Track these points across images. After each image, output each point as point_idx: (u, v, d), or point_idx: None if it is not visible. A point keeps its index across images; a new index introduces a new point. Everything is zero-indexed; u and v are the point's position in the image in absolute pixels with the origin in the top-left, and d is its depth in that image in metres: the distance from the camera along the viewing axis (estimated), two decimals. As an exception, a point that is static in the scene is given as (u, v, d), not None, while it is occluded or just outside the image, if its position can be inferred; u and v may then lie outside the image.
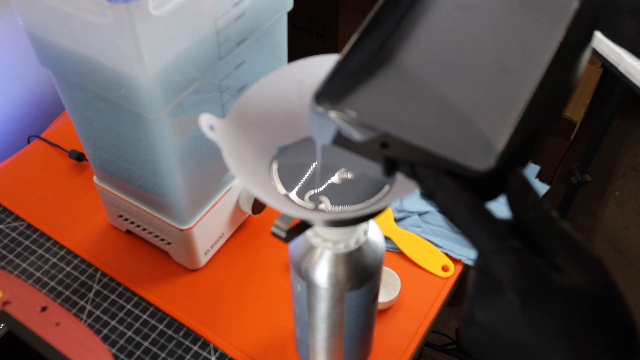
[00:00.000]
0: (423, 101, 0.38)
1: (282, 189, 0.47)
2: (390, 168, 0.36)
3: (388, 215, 0.81)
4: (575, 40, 0.35)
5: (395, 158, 0.35)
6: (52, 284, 0.74)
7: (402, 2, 0.42)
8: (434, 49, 0.40)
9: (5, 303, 0.61)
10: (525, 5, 0.40)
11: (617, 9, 0.36)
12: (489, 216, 0.33)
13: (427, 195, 0.35)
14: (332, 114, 0.37)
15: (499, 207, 0.36)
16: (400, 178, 0.47)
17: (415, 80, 0.39)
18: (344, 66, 0.39)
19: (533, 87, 0.34)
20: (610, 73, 0.96)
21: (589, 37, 0.36)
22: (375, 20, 0.40)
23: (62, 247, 0.78)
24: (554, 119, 0.35)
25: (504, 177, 0.34)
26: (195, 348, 0.69)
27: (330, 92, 0.38)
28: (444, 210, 0.34)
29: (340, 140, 0.38)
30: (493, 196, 0.35)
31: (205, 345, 0.70)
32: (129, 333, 0.70)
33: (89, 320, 0.71)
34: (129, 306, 0.73)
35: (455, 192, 0.33)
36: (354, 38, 0.39)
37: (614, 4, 0.36)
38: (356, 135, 0.36)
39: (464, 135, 0.36)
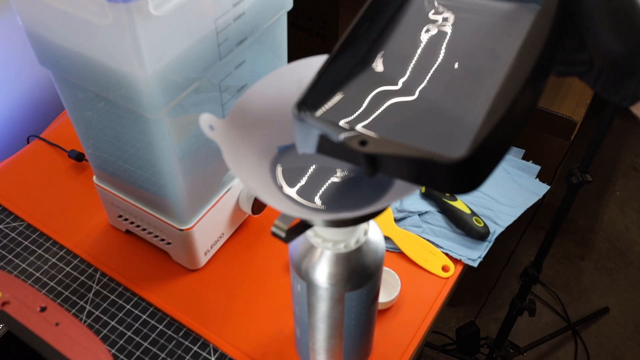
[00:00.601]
0: (400, 105, 0.40)
1: (289, 191, 0.47)
2: (372, 167, 0.38)
3: (388, 215, 0.81)
4: (537, 39, 0.37)
5: (375, 154, 0.37)
6: (52, 284, 0.74)
7: (378, 16, 0.44)
8: (408, 57, 0.43)
9: (5, 303, 0.61)
10: (493, 14, 0.43)
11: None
12: None
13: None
14: (312, 119, 0.40)
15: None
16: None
17: (391, 87, 0.42)
18: (324, 76, 0.41)
19: (500, 83, 0.36)
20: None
21: (552, 35, 0.37)
22: (351, 34, 0.42)
23: (61, 247, 0.78)
24: (523, 112, 0.37)
25: (482, 166, 0.35)
26: (195, 348, 0.69)
27: (311, 101, 0.41)
28: None
29: (323, 147, 0.40)
30: (473, 187, 0.36)
31: (205, 345, 0.70)
32: (129, 333, 0.70)
33: (89, 321, 0.71)
34: (128, 306, 0.73)
35: None
36: (333, 51, 0.41)
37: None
38: (336, 135, 0.38)
39: (438, 129, 0.38)
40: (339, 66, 0.42)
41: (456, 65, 0.41)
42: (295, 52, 0.71)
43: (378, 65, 0.43)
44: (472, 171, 0.35)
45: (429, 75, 0.41)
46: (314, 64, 0.50)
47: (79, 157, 0.86)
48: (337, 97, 0.42)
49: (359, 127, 0.39)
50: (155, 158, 0.62)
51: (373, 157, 0.37)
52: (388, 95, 0.42)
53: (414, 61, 0.42)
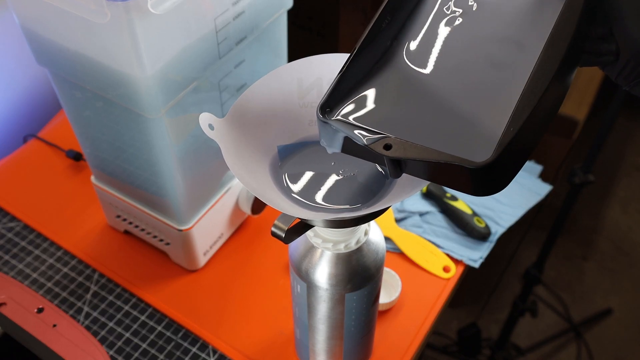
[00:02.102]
0: (423, 103, 0.40)
1: (297, 195, 0.47)
2: (397, 169, 0.37)
3: (389, 215, 0.81)
4: (566, 30, 0.36)
5: (399, 158, 0.36)
6: (49, 285, 0.74)
7: (400, 8, 0.43)
8: (431, 53, 0.42)
9: (1, 304, 0.60)
10: (518, 3, 0.41)
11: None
12: None
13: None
14: (336, 123, 0.39)
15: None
16: (400, 179, 0.46)
17: (414, 84, 0.41)
18: (346, 76, 0.41)
19: (527, 77, 0.35)
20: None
21: (580, 26, 0.37)
22: (372, 31, 0.41)
23: (59, 247, 0.77)
24: (550, 109, 0.36)
25: (507, 169, 0.35)
26: (194, 349, 0.69)
27: (334, 102, 0.40)
28: None
29: (349, 147, 0.40)
30: (498, 189, 0.36)
31: (204, 346, 0.69)
32: (127, 334, 0.70)
33: (87, 322, 0.71)
34: (127, 307, 0.72)
35: None
36: (354, 49, 0.41)
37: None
38: (360, 139, 0.38)
39: (463, 132, 0.37)
40: (360, 64, 0.41)
41: (481, 59, 0.40)
42: (295, 51, 0.71)
43: (400, 62, 0.42)
44: (497, 174, 0.35)
45: (453, 70, 0.40)
46: (314, 62, 0.50)
47: (76, 156, 0.86)
48: (360, 97, 0.41)
49: (382, 129, 0.38)
50: (154, 158, 0.62)
51: (398, 160, 0.37)
52: (411, 94, 0.41)
53: (436, 56, 0.41)
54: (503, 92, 0.38)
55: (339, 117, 0.40)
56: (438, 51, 0.41)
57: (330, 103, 0.40)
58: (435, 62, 0.41)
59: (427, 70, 0.41)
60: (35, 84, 0.93)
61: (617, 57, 0.38)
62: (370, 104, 0.41)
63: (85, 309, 0.72)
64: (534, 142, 0.37)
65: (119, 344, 0.69)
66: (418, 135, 0.37)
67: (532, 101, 0.34)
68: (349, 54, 0.41)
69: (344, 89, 0.41)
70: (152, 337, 0.70)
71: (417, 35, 0.43)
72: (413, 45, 0.42)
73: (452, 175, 0.36)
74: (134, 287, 0.74)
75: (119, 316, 0.71)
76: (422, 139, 0.37)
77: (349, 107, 0.41)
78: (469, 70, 0.40)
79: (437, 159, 0.35)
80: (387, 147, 0.37)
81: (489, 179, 0.35)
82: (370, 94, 0.41)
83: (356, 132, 0.38)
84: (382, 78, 0.42)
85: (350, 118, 0.40)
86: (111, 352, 0.68)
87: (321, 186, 0.48)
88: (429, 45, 0.42)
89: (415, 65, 0.41)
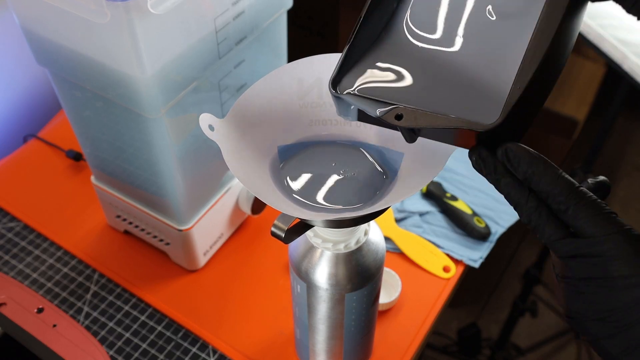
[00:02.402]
0: (430, 65, 0.40)
1: (297, 195, 0.47)
2: (411, 135, 0.39)
3: (389, 215, 0.81)
4: None
5: (410, 127, 0.38)
6: (49, 285, 0.74)
7: None
8: (435, 11, 0.42)
9: (1, 304, 0.60)
10: None
11: None
12: (590, 196, 0.34)
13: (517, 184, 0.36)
14: (348, 97, 0.40)
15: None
16: (400, 179, 0.46)
17: (418, 52, 0.41)
18: (354, 46, 0.41)
19: (533, 28, 0.35)
20: (613, 71, 0.95)
21: None
22: (370, 8, 0.42)
23: (59, 247, 0.77)
24: (558, 59, 0.35)
25: (516, 128, 0.35)
26: (194, 350, 0.69)
27: (344, 75, 0.41)
28: (540, 192, 0.35)
29: (363, 117, 0.41)
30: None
31: (204, 346, 0.69)
32: (127, 335, 0.70)
33: (87, 322, 0.71)
34: (127, 307, 0.72)
35: (552, 174, 0.35)
36: (359, 18, 0.41)
37: None
38: (372, 111, 0.39)
39: (471, 92, 0.38)
40: (366, 33, 0.42)
41: (487, 12, 0.40)
42: (295, 51, 0.70)
43: (404, 27, 0.42)
44: (507, 134, 0.35)
45: (457, 28, 0.40)
46: (315, 62, 0.50)
47: (76, 156, 0.86)
48: (369, 66, 0.42)
49: (392, 98, 0.39)
50: (154, 158, 0.62)
51: (411, 127, 0.38)
52: (418, 58, 0.41)
53: (441, 15, 0.41)
54: (509, 45, 0.37)
55: (350, 91, 0.41)
56: (443, 9, 0.41)
57: (341, 76, 0.41)
58: (441, 20, 0.41)
59: (434, 31, 0.41)
60: (35, 84, 0.93)
61: None
62: (379, 73, 0.41)
63: (85, 309, 0.72)
64: (543, 97, 0.36)
65: (119, 344, 0.69)
66: (427, 100, 0.38)
67: (538, 55, 0.34)
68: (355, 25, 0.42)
69: (353, 59, 0.42)
70: (152, 337, 0.70)
71: (417, 6, 0.43)
72: (416, 7, 0.43)
73: (465, 138, 0.37)
74: (134, 287, 0.74)
75: (119, 316, 0.71)
76: (431, 103, 0.38)
77: (360, 78, 0.41)
78: (473, 26, 0.40)
79: (447, 125, 0.36)
80: (399, 117, 0.38)
81: (499, 139, 0.35)
82: (379, 62, 0.42)
83: (368, 104, 0.39)
84: (388, 45, 0.42)
85: (361, 89, 0.41)
86: (111, 352, 0.68)
87: (321, 186, 0.48)
88: (429, 12, 0.42)
89: (420, 27, 0.42)
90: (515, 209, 0.36)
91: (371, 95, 0.40)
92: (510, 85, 0.34)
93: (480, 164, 0.37)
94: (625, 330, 0.33)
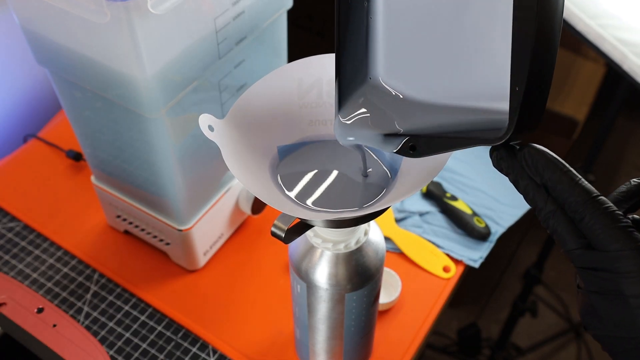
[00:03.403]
0: (425, 80, 0.41)
1: (290, 192, 0.47)
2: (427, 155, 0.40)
3: (389, 215, 0.81)
4: None
5: (427, 155, 0.38)
6: (49, 285, 0.74)
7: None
8: (408, 19, 0.41)
9: (1, 304, 0.60)
10: None
11: None
12: (607, 207, 0.33)
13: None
14: (359, 138, 0.43)
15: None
16: (400, 179, 0.46)
17: (407, 61, 0.42)
18: (342, 78, 0.43)
19: (510, 34, 0.32)
20: (613, 71, 0.95)
21: None
22: (341, 35, 0.42)
23: (59, 247, 0.77)
24: (548, 49, 0.33)
25: (530, 119, 0.34)
26: (194, 350, 0.69)
27: (346, 106, 0.44)
28: (557, 198, 0.34)
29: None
30: (532, 129, 0.36)
31: (204, 346, 0.69)
32: (127, 335, 0.70)
33: (87, 322, 0.71)
34: (127, 307, 0.72)
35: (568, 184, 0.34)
36: (336, 47, 0.42)
37: None
38: (389, 149, 0.41)
39: (474, 115, 0.37)
40: (348, 57, 0.42)
41: (458, 36, 0.39)
42: (295, 51, 0.70)
43: (383, 48, 0.43)
44: (524, 125, 0.34)
45: (436, 30, 0.40)
46: (315, 63, 0.50)
47: (76, 156, 0.86)
48: (365, 96, 0.43)
49: (401, 125, 0.40)
50: (154, 158, 0.62)
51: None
52: (410, 72, 0.41)
53: (416, 50, 0.41)
54: (493, 37, 0.36)
55: (359, 126, 0.43)
56: (418, 46, 0.41)
57: (344, 111, 0.43)
58: (420, 54, 0.41)
59: (413, 40, 0.41)
60: (35, 84, 0.93)
61: None
62: (378, 101, 0.42)
63: (85, 309, 0.72)
64: (548, 75, 0.34)
65: (119, 344, 0.69)
66: (432, 130, 0.38)
67: (527, 46, 0.32)
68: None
69: (347, 90, 0.43)
70: (152, 337, 0.70)
71: (391, 37, 0.43)
72: (389, 49, 0.43)
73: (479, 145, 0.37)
74: (134, 287, 0.74)
75: (119, 316, 0.71)
76: (439, 125, 0.38)
77: (362, 109, 0.43)
78: (453, 51, 0.39)
79: (461, 146, 0.36)
80: (413, 148, 0.39)
81: (518, 133, 0.34)
82: (372, 89, 0.42)
83: (381, 142, 0.41)
84: (376, 68, 0.43)
85: (368, 123, 0.42)
86: (111, 352, 0.68)
87: (321, 186, 0.48)
88: (408, 44, 0.42)
89: (400, 40, 0.42)
90: (534, 210, 0.35)
91: (380, 131, 0.41)
92: (507, 93, 0.33)
93: (500, 164, 0.36)
94: (639, 348, 0.32)
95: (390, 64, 0.43)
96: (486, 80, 0.37)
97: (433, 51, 0.40)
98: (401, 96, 0.42)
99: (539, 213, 0.35)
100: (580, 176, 0.34)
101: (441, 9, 0.39)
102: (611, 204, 0.33)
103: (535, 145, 0.35)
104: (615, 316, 0.32)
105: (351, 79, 0.43)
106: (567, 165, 0.34)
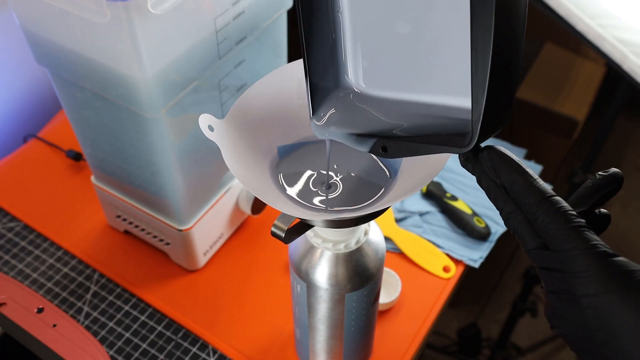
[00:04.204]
0: (393, 102, 0.43)
1: (291, 192, 0.47)
2: (386, 155, 0.42)
3: (389, 215, 0.81)
4: None
5: (395, 157, 0.40)
6: (49, 285, 0.74)
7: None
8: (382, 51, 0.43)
9: (1, 304, 0.60)
10: None
11: None
12: (561, 207, 0.33)
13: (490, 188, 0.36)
14: (332, 133, 0.44)
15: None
16: (400, 179, 0.46)
17: (374, 72, 0.44)
18: (315, 88, 0.44)
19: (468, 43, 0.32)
20: (613, 71, 0.95)
21: None
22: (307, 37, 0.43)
23: (59, 247, 0.77)
24: (509, 59, 0.33)
25: (495, 120, 0.35)
26: (194, 349, 0.69)
27: (319, 107, 0.45)
28: (514, 199, 0.35)
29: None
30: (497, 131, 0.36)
31: (204, 346, 0.69)
32: (127, 335, 0.70)
33: (87, 322, 0.71)
34: (127, 307, 0.72)
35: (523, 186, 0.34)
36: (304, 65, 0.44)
37: None
38: (362, 147, 0.43)
39: (440, 117, 0.39)
40: (317, 63, 0.44)
41: (420, 47, 0.40)
42: (296, 51, 0.70)
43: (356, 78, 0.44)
44: (489, 128, 0.35)
45: (404, 65, 0.41)
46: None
47: (76, 156, 0.86)
48: (332, 103, 0.45)
49: (373, 128, 0.42)
50: (154, 158, 0.62)
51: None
52: (381, 99, 0.42)
53: (387, 54, 0.42)
54: (458, 29, 0.36)
55: (332, 131, 0.44)
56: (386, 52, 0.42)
57: (318, 111, 0.44)
58: (388, 60, 0.42)
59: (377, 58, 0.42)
60: (35, 84, 0.93)
61: None
62: (347, 104, 0.44)
63: (85, 309, 0.72)
64: (513, 82, 0.34)
65: (119, 344, 0.69)
66: (404, 127, 0.41)
67: (484, 62, 0.31)
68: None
69: (318, 92, 0.45)
70: (152, 337, 0.70)
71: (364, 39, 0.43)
72: (361, 50, 0.43)
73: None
74: (134, 287, 0.74)
75: (119, 316, 0.71)
76: (405, 122, 0.40)
77: (332, 110, 0.44)
78: (419, 60, 0.40)
79: (428, 153, 0.38)
80: (384, 149, 0.41)
81: (484, 135, 0.35)
82: (341, 91, 0.44)
83: (353, 141, 0.43)
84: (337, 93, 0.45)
85: (344, 129, 0.44)
86: (111, 352, 0.68)
87: (321, 186, 0.48)
88: (376, 49, 0.43)
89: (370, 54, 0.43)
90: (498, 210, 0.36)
91: (354, 131, 0.43)
92: (470, 102, 0.33)
93: (466, 165, 0.37)
94: (595, 348, 0.32)
95: (358, 64, 0.44)
96: (453, 77, 0.37)
97: (399, 49, 0.41)
98: (370, 97, 0.44)
99: (500, 213, 0.35)
100: (536, 177, 0.34)
101: (406, 7, 0.39)
102: (565, 204, 0.33)
103: (494, 147, 0.36)
104: (572, 316, 0.32)
105: (321, 81, 0.44)
106: (523, 166, 0.35)
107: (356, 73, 0.44)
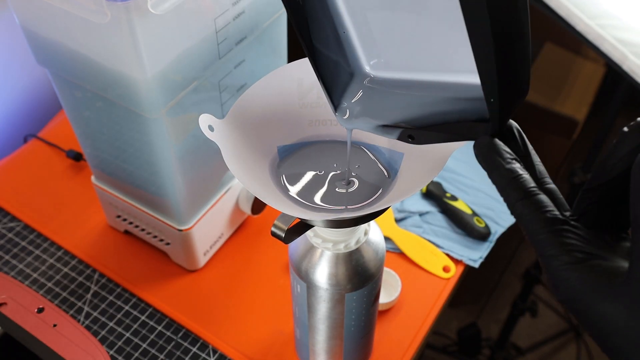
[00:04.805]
0: (411, 84, 0.42)
1: (291, 191, 0.47)
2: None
3: (388, 215, 0.81)
4: None
5: (424, 143, 0.41)
6: (49, 285, 0.74)
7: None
8: (393, 39, 0.42)
9: (2, 304, 0.60)
10: None
11: None
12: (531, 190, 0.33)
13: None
14: (361, 127, 0.44)
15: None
16: (400, 179, 0.46)
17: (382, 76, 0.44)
18: (323, 75, 0.43)
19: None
20: (613, 71, 0.95)
21: None
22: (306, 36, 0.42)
23: (59, 247, 0.77)
24: (515, 48, 0.32)
25: (509, 108, 0.34)
26: (194, 349, 0.69)
27: (340, 100, 0.44)
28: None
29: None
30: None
31: (204, 346, 0.69)
32: (127, 334, 0.70)
33: (87, 322, 0.71)
34: (127, 307, 0.72)
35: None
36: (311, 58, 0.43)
37: None
38: (391, 136, 0.42)
39: (462, 108, 0.39)
40: (326, 61, 0.43)
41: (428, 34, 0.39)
42: (295, 51, 0.70)
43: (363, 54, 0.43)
44: (507, 117, 0.35)
45: (418, 52, 0.41)
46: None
47: (77, 156, 0.86)
48: (353, 97, 0.44)
49: (398, 118, 0.42)
50: (154, 158, 0.62)
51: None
52: (398, 88, 0.42)
53: (398, 40, 0.42)
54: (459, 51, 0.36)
55: (357, 116, 0.44)
56: (397, 35, 0.41)
57: (340, 107, 0.44)
58: (401, 44, 0.42)
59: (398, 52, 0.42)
60: (35, 84, 0.93)
61: None
62: (372, 95, 0.43)
63: (86, 308, 0.72)
64: (525, 65, 0.33)
65: (119, 343, 0.69)
66: (427, 114, 0.40)
67: (490, 62, 0.31)
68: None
69: (335, 89, 0.44)
70: (152, 336, 0.70)
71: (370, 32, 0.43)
72: (369, 39, 0.43)
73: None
74: (134, 287, 0.74)
75: (119, 316, 0.71)
76: (426, 109, 0.40)
77: (354, 103, 0.44)
78: (429, 49, 0.40)
79: (450, 140, 0.38)
80: (411, 137, 0.41)
81: (502, 125, 0.35)
82: (358, 82, 0.44)
83: (382, 131, 0.43)
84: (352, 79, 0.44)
85: (370, 120, 0.43)
86: (111, 352, 0.68)
87: (321, 186, 0.48)
88: (386, 37, 0.42)
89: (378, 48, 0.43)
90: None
91: (376, 120, 0.43)
92: (489, 84, 0.32)
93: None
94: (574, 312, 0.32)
95: (368, 49, 0.43)
96: (464, 53, 0.35)
97: (407, 27, 0.40)
98: (386, 81, 0.43)
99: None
100: (518, 170, 0.34)
101: None
102: (545, 204, 0.33)
103: (486, 138, 0.35)
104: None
105: (335, 77, 0.44)
106: (509, 159, 0.34)
107: (368, 58, 0.44)
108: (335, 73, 0.44)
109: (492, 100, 0.32)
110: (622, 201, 0.33)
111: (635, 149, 0.31)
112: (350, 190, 0.47)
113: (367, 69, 0.44)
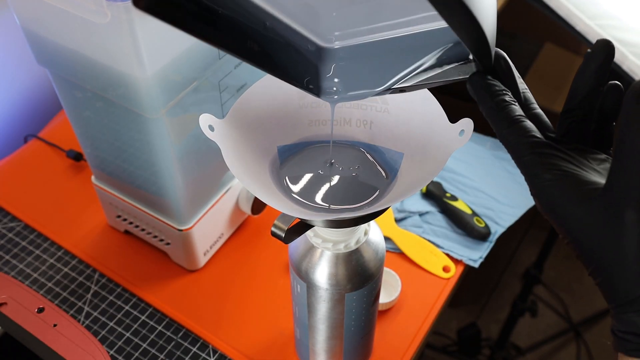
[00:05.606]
0: (382, 44, 0.42)
1: (293, 192, 0.47)
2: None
3: (388, 215, 0.81)
4: None
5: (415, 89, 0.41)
6: (50, 285, 0.74)
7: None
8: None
9: (2, 304, 0.60)
10: None
11: None
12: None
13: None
14: (352, 99, 0.44)
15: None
16: (400, 179, 0.47)
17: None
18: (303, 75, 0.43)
19: None
20: (613, 71, 0.95)
21: None
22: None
23: (59, 247, 0.77)
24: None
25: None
26: (195, 349, 0.69)
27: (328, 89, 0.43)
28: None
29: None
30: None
31: (204, 346, 0.69)
32: (128, 334, 0.70)
33: (87, 322, 0.71)
34: (127, 307, 0.72)
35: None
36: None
37: None
38: (380, 94, 0.42)
39: (442, 58, 0.40)
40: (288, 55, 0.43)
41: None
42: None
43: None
44: (490, 54, 0.36)
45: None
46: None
47: (77, 156, 0.86)
48: (330, 73, 0.43)
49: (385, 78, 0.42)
50: (154, 158, 0.62)
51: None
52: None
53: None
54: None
55: (346, 94, 0.43)
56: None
57: (323, 90, 0.43)
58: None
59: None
60: (35, 84, 0.93)
61: None
62: (349, 66, 0.43)
63: (86, 308, 0.72)
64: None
65: (120, 343, 0.69)
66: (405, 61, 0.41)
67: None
68: None
69: (309, 75, 0.43)
70: (152, 336, 0.70)
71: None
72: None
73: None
74: (134, 286, 0.74)
75: (119, 316, 0.71)
76: (409, 68, 0.40)
77: (335, 78, 0.43)
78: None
79: (441, 83, 0.39)
80: (402, 90, 0.41)
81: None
82: (336, 59, 0.43)
83: (372, 95, 0.43)
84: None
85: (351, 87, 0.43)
86: (111, 352, 0.68)
87: (321, 186, 0.48)
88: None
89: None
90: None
91: (363, 89, 0.42)
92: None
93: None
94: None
95: (326, 24, 0.42)
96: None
97: None
98: (355, 47, 0.43)
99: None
100: (504, 105, 0.36)
101: None
102: (530, 130, 0.36)
103: (475, 75, 0.38)
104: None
105: (305, 66, 0.43)
106: (499, 89, 0.37)
107: (326, 33, 0.43)
108: (303, 62, 0.43)
109: (475, 39, 0.34)
110: (600, 118, 0.38)
111: (600, 66, 0.36)
112: (333, 174, 0.47)
113: (328, 44, 0.43)
